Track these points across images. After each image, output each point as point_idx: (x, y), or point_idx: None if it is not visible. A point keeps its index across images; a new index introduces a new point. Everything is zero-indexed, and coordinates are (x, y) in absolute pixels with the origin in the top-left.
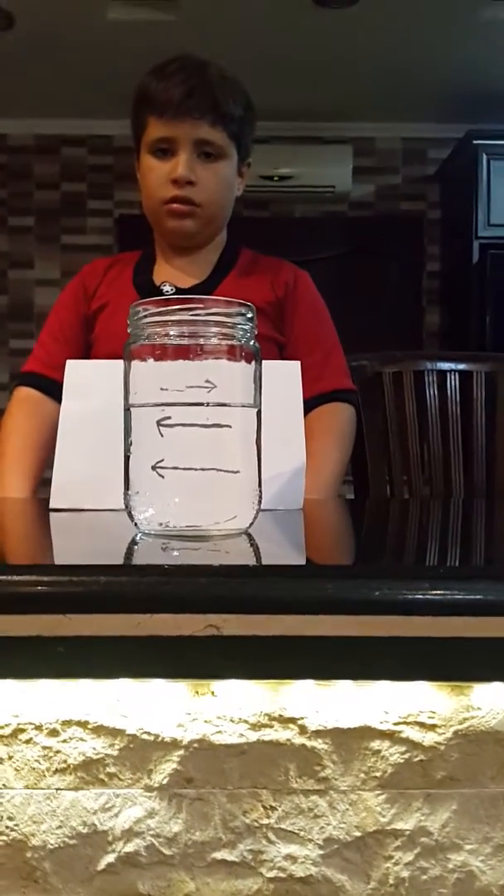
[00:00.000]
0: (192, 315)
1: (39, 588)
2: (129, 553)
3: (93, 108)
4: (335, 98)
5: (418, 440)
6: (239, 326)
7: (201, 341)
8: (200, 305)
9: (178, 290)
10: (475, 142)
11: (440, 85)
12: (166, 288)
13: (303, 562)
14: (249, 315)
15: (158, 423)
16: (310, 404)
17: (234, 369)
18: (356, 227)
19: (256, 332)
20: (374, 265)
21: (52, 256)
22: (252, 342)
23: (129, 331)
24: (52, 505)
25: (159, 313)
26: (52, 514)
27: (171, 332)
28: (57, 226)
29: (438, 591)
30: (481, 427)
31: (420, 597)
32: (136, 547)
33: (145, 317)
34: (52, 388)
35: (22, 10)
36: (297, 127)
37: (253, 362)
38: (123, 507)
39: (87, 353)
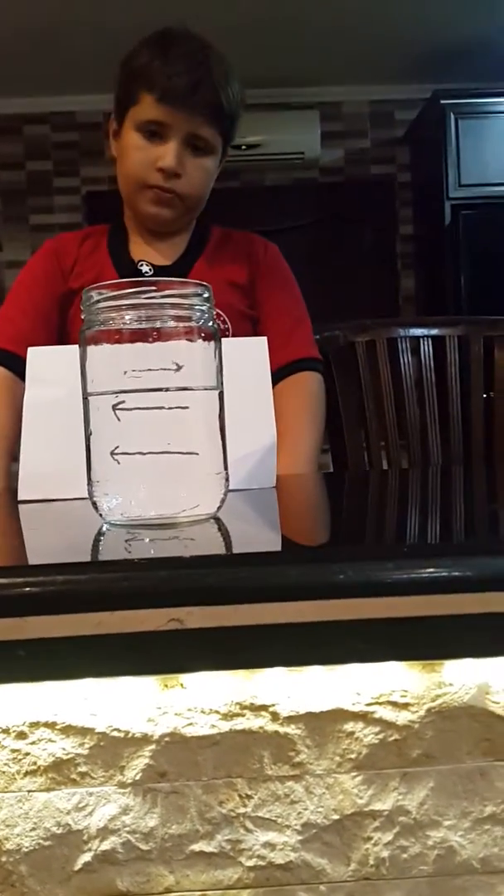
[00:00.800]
0: (147, 298)
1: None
2: (92, 547)
3: (54, 84)
4: (301, 63)
5: (394, 408)
6: (196, 307)
7: (157, 324)
8: (154, 288)
9: (156, 269)
10: (442, 101)
11: (405, 46)
12: (144, 268)
13: (272, 547)
14: (206, 295)
15: (114, 408)
16: (277, 375)
17: (193, 350)
18: (327, 193)
19: (215, 313)
20: (347, 231)
21: (20, 237)
22: (210, 322)
23: (82, 317)
24: (20, 497)
25: (114, 297)
26: (20, 507)
27: (127, 317)
28: (24, 206)
29: (402, 571)
30: (456, 392)
31: (383, 577)
32: (100, 540)
33: (100, 301)
34: (21, 367)
35: None
36: (263, 94)
37: (212, 342)
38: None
39: (61, 333)
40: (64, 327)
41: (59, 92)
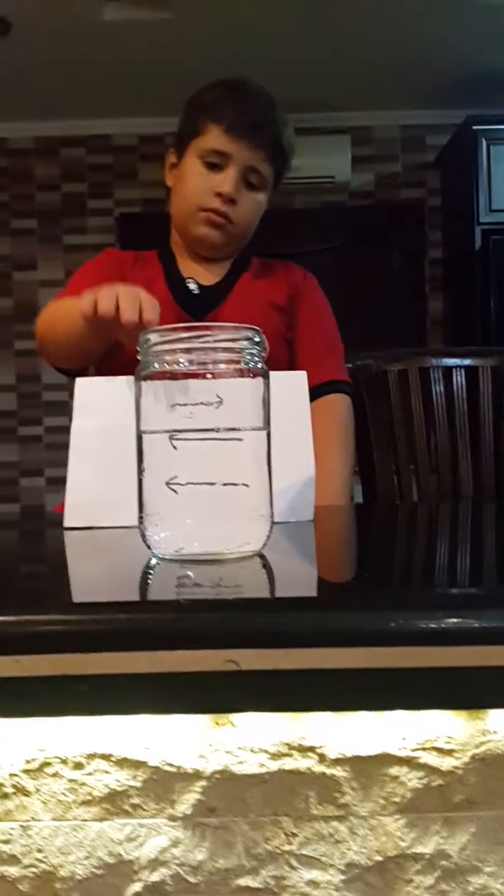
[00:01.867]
0: (201, 342)
1: (62, 628)
2: (146, 583)
3: (91, 108)
4: (332, 88)
5: (425, 437)
6: (246, 351)
7: (210, 367)
8: (209, 332)
9: (202, 287)
10: (474, 127)
11: (438, 71)
12: (192, 285)
13: (315, 587)
14: (257, 339)
15: (171, 439)
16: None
17: (244, 390)
18: (357, 216)
19: (266, 355)
20: (375, 254)
21: (54, 257)
22: (260, 364)
23: (138, 357)
24: (66, 524)
25: (169, 341)
26: (68, 535)
27: (181, 359)
28: (59, 226)
29: (453, 621)
30: (489, 422)
31: (435, 627)
32: (152, 575)
33: (156, 344)
34: None
35: (18, 15)
36: (294, 118)
37: (262, 382)
38: (136, 524)
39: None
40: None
41: (96, 115)
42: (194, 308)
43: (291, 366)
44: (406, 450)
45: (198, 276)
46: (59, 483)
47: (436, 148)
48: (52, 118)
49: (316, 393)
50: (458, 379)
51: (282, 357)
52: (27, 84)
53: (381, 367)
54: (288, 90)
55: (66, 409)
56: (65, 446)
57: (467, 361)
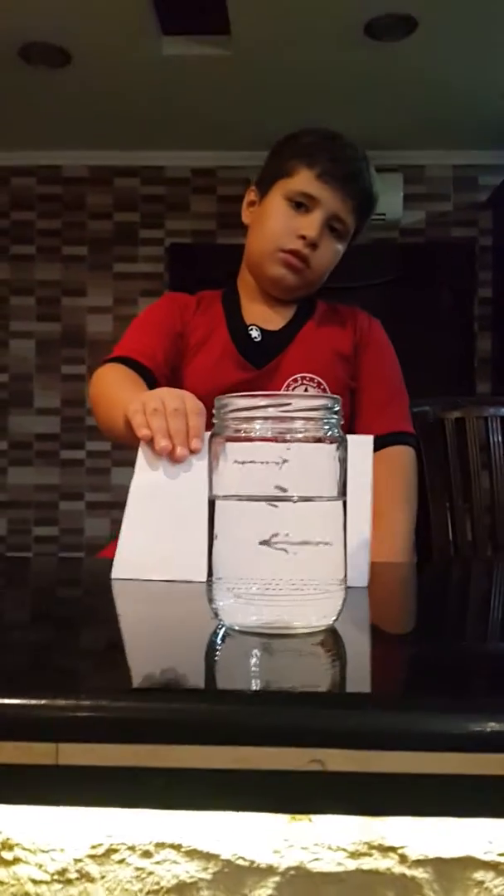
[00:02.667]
0: (279, 411)
1: (136, 716)
2: (218, 665)
3: (146, 139)
4: (385, 127)
5: (481, 488)
6: (324, 420)
7: (287, 435)
8: (288, 402)
9: (265, 333)
10: None
11: (491, 112)
12: (254, 332)
13: (398, 679)
14: (336, 408)
15: (245, 503)
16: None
17: (321, 457)
18: (407, 253)
19: (316, 381)
20: (425, 292)
21: (104, 284)
22: (338, 432)
23: (213, 422)
24: (114, 575)
25: (247, 409)
26: (117, 593)
27: (258, 427)
28: (109, 254)
29: None
30: None
31: None
32: (219, 652)
33: (232, 411)
34: (144, 372)
35: (77, 47)
36: None
37: (339, 449)
38: (181, 578)
39: (172, 376)
40: (178, 371)
41: (150, 147)
42: (256, 356)
43: (354, 415)
44: (462, 500)
45: (262, 319)
46: (98, 507)
47: (489, 188)
48: (107, 148)
49: (380, 444)
50: None
51: (345, 407)
52: (83, 114)
53: (437, 414)
54: (342, 127)
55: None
56: (105, 471)
57: None
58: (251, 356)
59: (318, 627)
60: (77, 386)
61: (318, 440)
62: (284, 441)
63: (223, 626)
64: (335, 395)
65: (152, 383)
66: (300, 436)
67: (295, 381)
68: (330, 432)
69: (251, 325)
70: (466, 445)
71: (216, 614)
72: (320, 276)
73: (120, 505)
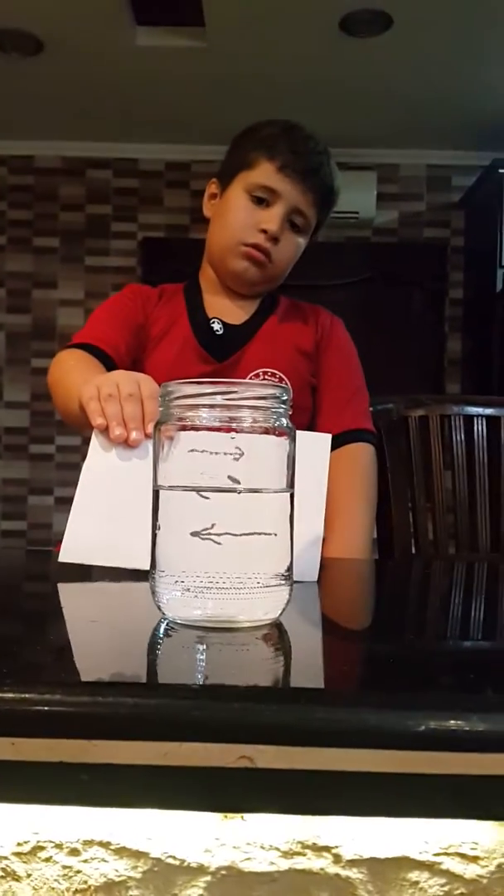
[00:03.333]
0: (225, 399)
1: (62, 709)
2: (155, 658)
3: (119, 131)
4: (360, 125)
5: (443, 486)
6: (272, 410)
7: (233, 425)
8: (234, 389)
9: (227, 327)
10: (501, 170)
11: (466, 113)
12: (216, 325)
13: (338, 674)
14: (284, 397)
15: (191, 494)
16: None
17: (268, 448)
18: (379, 253)
19: (291, 412)
20: (396, 291)
21: (75, 277)
22: (286, 423)
23: (159, 409)
24: (61, 558)
25: (192, 396)
26: (66, 586)
27: (204, 414)
28: (81, 247)
29: (487, 726)
30: None
31: (469, 732)
32: (160, 646)
33: (178, 398)
34: (104, 359)
35: (51, 36)
36: None
37: (288, 442)
38: (127, 565)
39: (133, 368)
40: (139, 364)
41: (123, 139)
42: (218, 349)
43: (315, 412)
44: (424, 498)
45: (224, 313)
46: (67, 503)
47: (461, 189)
48: (80, 139)
49: (339, 441)
50: (480, 428)
51: (306, 404)
52: (56, 103)
53: (401, 412)
54: (316, 124)
55: (77, 429)
56: (75, 466)
57: (489, 411)
58: (213, 349)
59: (263, 621)
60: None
61: (266, 431)
62: (230, 430)
63: (166, 619)
64: (284, 385)
65: (112, 370)
66: (247, 425)
67: (256, 375)
68: (278, 422)
69: (213, 318)
70: (430, 443)
71: (159, 607)
72: (282, 271)
73: None
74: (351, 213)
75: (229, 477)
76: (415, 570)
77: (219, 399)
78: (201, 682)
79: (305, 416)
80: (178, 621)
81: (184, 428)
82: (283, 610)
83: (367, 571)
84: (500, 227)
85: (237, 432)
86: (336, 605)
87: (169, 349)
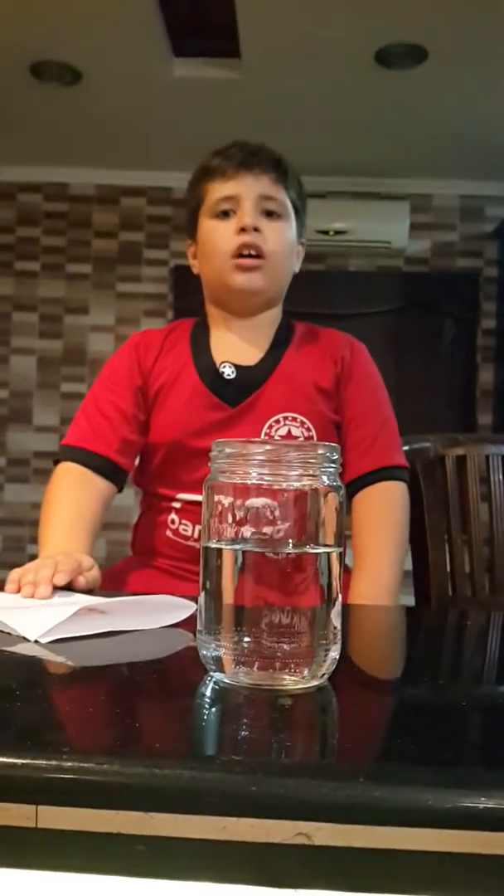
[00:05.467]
0: (276, 458)
1: (121, 780)
2: (206, 724)
3: (153, 160)
4: (393, 155)
5: (479, 526)
6: (322, 469)
7: (284, 485)
8: (286, 450)
9: (239, 370)
10: None
11: (500, 144)
12: (227, 371)
13: (395, 749)
14: (335, 457)
15: (237, 558)
16: (360, 482)
17: (317, 507)
18: (411, 282)
19: (299, 420)
20: (427, 321)
21: (107, 303)
22: (336, 482)
23: (209, 465)
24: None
25: (240, 455)
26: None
27: (253, 473)
28: (113, 274)
29: None
30: None
31: None
32: (208, 711)
33: (228, 456)
34: (99, 464)
35: (88, 67)
36: (354, 182)
37: (335, 499)
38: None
39: (142, 429)
40: (147, 425)
41: (157, 167)
42: (230, 394)
43: (342, 450)
44: (461, 537)
45: (235, 353)
46: None
47: (495, 219)
48: (114, 167)
49: (369, 480)
50: None
51: (332, 441)
52: (92, 132)
53: (438, 451)
54: (350, 155)
55: None
56: None
57: None
58: (224, 395)
59: (311, 685)
60: (77, 404)
61: (315, 490)
62: (281, 489)
63: (212, 679)
64: (334, 444)
65: (107, 469)
66: (297, 485)
67: (277, 421)
68: (328, 482)
69: (223, 362)
70: (466, 483)
71: (206, 667)
72: (282, 262)
73: (114, 526)
74: (383, 242)
75: (276, 535)
76: (456, 621)
77: (269, 458)
78: (257, 757)
79: None
80: (225, 681)
81: (232, 487)
82: (329, 674)
83: (410, 623)
84: None
85: (286, 492)
86: (380, 663)
87: (178, 399)
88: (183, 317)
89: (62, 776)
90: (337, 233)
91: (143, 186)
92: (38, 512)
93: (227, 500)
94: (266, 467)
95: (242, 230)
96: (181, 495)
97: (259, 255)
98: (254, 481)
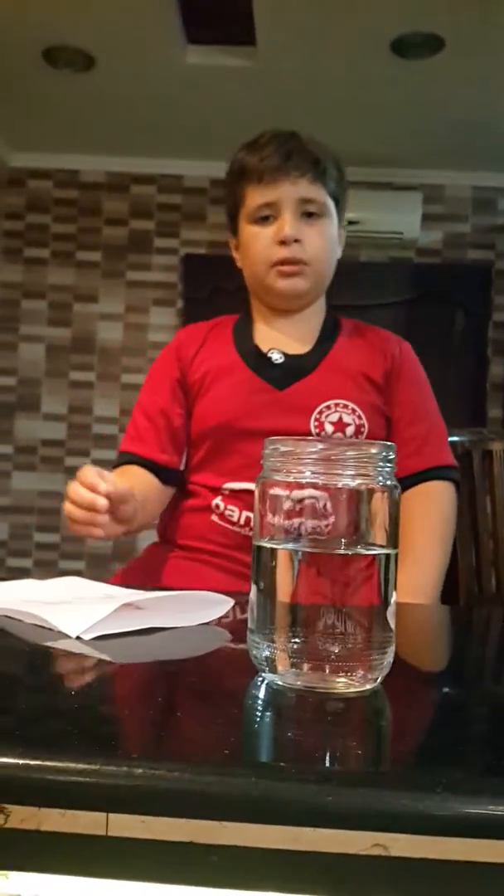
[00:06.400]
0: (331, 456)
1: (193, 787)
2: (271, 729)
3: (165, 147)
4: (407, 145)
5: None
6: (378, 467)
7: (339, 483)
8: (342, 448)
9: (288, 357)
10: None
11: None
12: (275, 356)
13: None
14: (391, 456)
15: (293, 557)
16: (410, 481)
17: (375, 508)
18: (422, 273)
19: (351, 408)
20: (439, 312)
21: (116, 291)
22: (392, 481)
23: (262, 463)
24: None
25: (294, 453)
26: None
27: (308, 471)
28: (123, 262)
29: None
30: None
31: None
32: (271, 715)
33: (282, 455)
34: (146, 464)
35: (102, 53)
36: (366, 172)
37: (392, 502)
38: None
39: (187, 419)
40: (190, 413)
41: (169, 155)
42: (277, 378)
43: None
44: (488, 539)
45: (284, 344)
46: None
47: None
48: (125, 154)
49: (418, 478)
50: None
51: (380, 434)
52: (104, 119)
53: (466, 446)
54: (363, 144)
55: (114, 442)
56: None
57: None
58: (271, 378)
59: (367, 688)
60: (85, 393)
61: (371, 489)
62: (335, 488)
63: (263, 680)
64: (390, 443)
65: (152, 468)
66: (352, 484)
67: (328, 407)
68: (384, 481)
69: (271, 349)
70: (494, 482)
71: (258, 667)
72: (324, 264)
73: None
74: (395, 232)
75: (330, 534)
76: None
77: (324, 456)
78: (330, 765)
79: None
80: (279, 682)
81: (287, 485)
82: (384, 677)
83: (455, 622)
84: None
85: (341, 490)
86: (430, 664)
87: (222, 385)
88: (193, 306)
89: (133, 783)
90: (349, 223)
91: (154, 174)
92: (45, 500)
93: (280, 498)
94: (320, 465)
95: (282, 242)
96: (228, 484)
97: (300, 262)
98: (308, 479)
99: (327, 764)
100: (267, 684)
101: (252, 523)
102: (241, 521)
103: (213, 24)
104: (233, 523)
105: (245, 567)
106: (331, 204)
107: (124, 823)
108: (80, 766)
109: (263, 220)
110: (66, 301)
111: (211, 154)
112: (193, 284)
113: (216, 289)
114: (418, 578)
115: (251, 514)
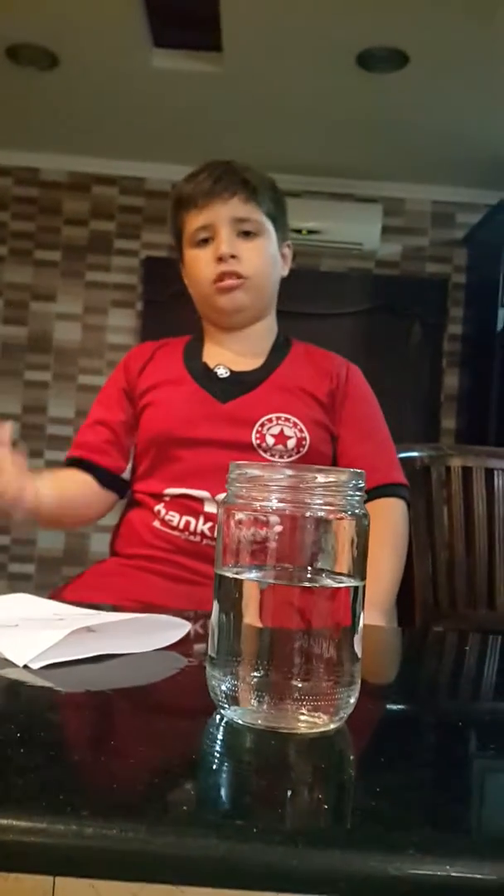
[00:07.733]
0: (297, 482)
1: (148, 848)
2: (228, 779)
3: (128, 149)
4: (369, 157)
5: (464, 541)
6: (345, 495)
7: (306, 513)
8: (310, 473)
9: (233, 372)
10: None
11: (474, 151)
12: (220, 371)
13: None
14: (361, 484)
15: (256, 588)
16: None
17: (341, 538)
18: (381, 284)
19: (292, 422)
20: (396, 324)
21: (75, 291)
22: (360, 510)
23: (227, 487)
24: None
25: (261, 478)
26: (90, 675)
27: (275, 498)
28: (82, 262)
29: None
30: None
31: None
32: (229, 762)
33: (247, 479)
34: (84, 465)
35: (67, 52)
36: (328, 183)
37: (358, 527)
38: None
39: (132, 429)
40: (136, 428)
41: (132, 157)
42: (219, 391)
43: (335, 463)
44: (445, 553)
45: (231, 362)
46: None
47: (465, 226)
48: (88, 155)
49: (370, 496)
50: (500, 482)
51: (326, 451)
52: (67, 118)
53: (425, 462)
54: (326, 155)
55: (68, 444)
56: None
57: None
58: (214, 391)
59: (331, 728)
60: (40, 393)
61: (340, 518)
62: (302, 517)
63: (223, 718)
64: (360, 471)
65: (95, 471)
66: (320, 513)
67: (269, 420)
68: (351, 510)
69: (218, 364)
70: (451, 497)
71: (216, 702)
72: (265, 277)
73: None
74: (355, 243)
75: (295, 564)
76: (460, 645)
77: (289, 483)
78: (296, 823)
79: (327, 464)
80: (237, 721)
81: (252, 511)
82: (347, 716)
83: (410, 646)
84: (502, 265)
85: (307, 519)
86: (393, 695)
87: (166, 396)
88: (153, 308)
89: (83, 843)
90: (310, 232)
91: (116, 175)
92: None
93: (244, 526)
94: (287, 492)
95: (219, 259)
96: (169, 490)
97: (237, 276)
98: (274, 506)
99: (293, 822)
100: (226, 723)
101: (190, 528)
102: (181, 526)
103: (179, 27)
104: (173, 528)
105: (188, 572)
106: (267, 222)
107: (72, 888)
108: (25, 824)
109: (203, 242)
110: (23, 299)
111: (174, 157)
112: (153, 287)
113: (176, 292)
114: (373, 589)
115: (191, 519)
